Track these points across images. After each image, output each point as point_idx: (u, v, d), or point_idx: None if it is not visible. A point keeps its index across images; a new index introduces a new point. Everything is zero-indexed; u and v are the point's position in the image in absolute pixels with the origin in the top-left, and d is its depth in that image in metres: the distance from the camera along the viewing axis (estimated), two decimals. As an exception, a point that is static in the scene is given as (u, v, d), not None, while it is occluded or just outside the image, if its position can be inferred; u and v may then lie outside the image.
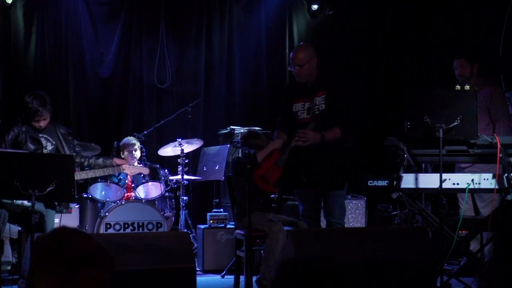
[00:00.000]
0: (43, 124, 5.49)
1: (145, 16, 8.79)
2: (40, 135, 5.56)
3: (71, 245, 1.87)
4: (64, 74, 8.41)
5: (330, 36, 9.15)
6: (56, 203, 5.45)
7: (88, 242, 1.89)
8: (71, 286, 1.83)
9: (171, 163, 7.69)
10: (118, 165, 5.71)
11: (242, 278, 5.40)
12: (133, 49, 8.69)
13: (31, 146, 5.48)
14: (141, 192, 7.07)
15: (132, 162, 6.96)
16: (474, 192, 5.36)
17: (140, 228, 6.64)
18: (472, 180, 5.05)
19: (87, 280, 1.85)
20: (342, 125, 5.45)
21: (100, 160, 5.71)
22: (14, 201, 5.26)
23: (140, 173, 7.20)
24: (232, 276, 5.69)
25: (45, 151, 5.52)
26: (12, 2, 8.10)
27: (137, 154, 7.17)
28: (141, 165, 7.05)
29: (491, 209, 5.15)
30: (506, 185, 4.94)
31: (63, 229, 1.94)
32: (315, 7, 9.23)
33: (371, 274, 4.33)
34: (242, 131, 7.17)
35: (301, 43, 6.12)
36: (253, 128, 6.28)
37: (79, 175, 5.21)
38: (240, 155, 6.99)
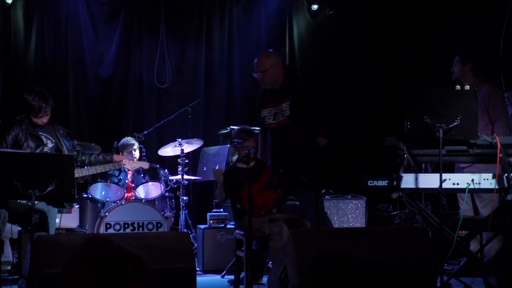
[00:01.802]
0: (45, 120, 5.51)
1: (145, 16, 8.79)
2: (40, 132, 5.57)
3: (113, 257, 1.79)
4: (64, 74, 8.41)
5: (330, 36, 9.15)
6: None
7: (127, 254, 1.83)
8: None
9: (171, 163, 7.69)
10: (118, 161, 5.74)
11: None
12: (133, 49, 8.69)
13: (32, 144, 5.48)
14: (141, 192, 7.07)
15: (132, 162, 6.97)
16: (474, 192, 5.36)
17: (140, 228, 6.64)
18: (472, 180, 5.04)
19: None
20: (323, 133, 5.60)
21: (101, 157, 5.76)
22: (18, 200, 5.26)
23: (140, 174, 7.21)
24: (232, 276, 5.69)
25: (45, 148, 5.53)
26: (12, 2, 8.10)
27: (136, 154, 7.17)
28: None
29: (490, 209, 5.15)
30: (506, 185, 4.94)
31: (100, 240, 1.83)
32: (315, 7, 9.23)
33: (371, 274, 4.33)
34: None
35: (269, 50, 6.24)
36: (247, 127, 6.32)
37: (80, 172, 5.21)
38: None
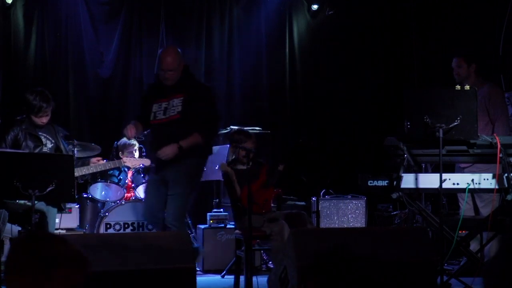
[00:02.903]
0: (45, 120, 5.50)
1: (145, 16, 8.79)
2: (40, 133, 5.57)
3: (40, 248, 1.90)
4: (64, 74, 8.41)
5: (330, 36, 9.15)
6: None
7: (59, 245, 1.93)
8: None
9: (171, 163, 7.67)
10: (95, 164, 5.67)
11: (242, 278, 5.40)
12: (133, 49, 8.68)
13: (31, 144, 5.48)
14: (141, 192, 7.06)
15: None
16: (474, 192, 5.37)
17: (140, 228, 6.65)
18: (472, 180, 5.05)
19: (58, 282, 1.88)
20: (202, 129, 5.52)
21: (80, 163, 5.70)
22: (17, 200, 5.26)
23: (140, 174, 7.20)
24: (232, 276, 5.70)
25: (45, 148, 5.53)
26: (12, 2, 8.10)
27: (136, 154, 7.16)
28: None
29: (491, 209, 5.15)
30: (506, 185, 4.94)
31: (34, 234, 2.00)
32: (315, 7, 9.22)
33: (371, 274, 4.33)
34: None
35: (169, 46, 6.13)
36: (250, 128, 6.31)
37: (80, 171, 5.21)
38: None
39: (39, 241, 1.93)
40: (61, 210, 5.57)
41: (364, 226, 7.26)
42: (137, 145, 7.22)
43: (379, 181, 5.24)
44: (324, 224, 7.15)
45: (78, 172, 5.16)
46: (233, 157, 5.81)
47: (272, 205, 5.94)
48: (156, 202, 5.58)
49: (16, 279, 1.89)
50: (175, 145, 5.39)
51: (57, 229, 5.73)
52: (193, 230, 7.32)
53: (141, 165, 6.91)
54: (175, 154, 5.40)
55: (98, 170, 5.32)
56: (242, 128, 5.91)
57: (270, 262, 6.27)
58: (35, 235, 1.97)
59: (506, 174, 4.93)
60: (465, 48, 7.74)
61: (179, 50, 5.73)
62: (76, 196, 5.15)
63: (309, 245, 4.24)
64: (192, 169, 5.61)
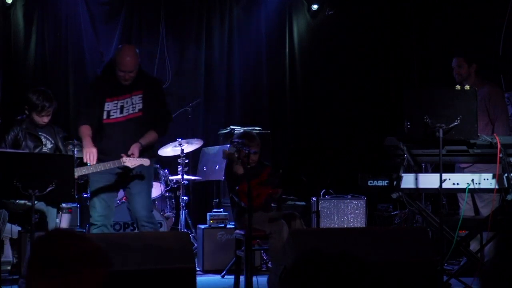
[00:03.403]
0: (46, 119, 5.50)
1: (145, 16, 8.79)
2: (40, 133, 5.57)
3: (64, 246, 1.89)
4: (64, 74, 8.41)
5: (330, 36, 9.15)
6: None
7: (82, 243, 1.92)
8: (65, 287, 1.86)
9: (171, 163, 7.69)
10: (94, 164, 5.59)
11: (242, 278, 5.40)
12: (133, 49, 8.68)
13: (31, 144, 5.48)
14: (141, 192, 7.06)
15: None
16: (474, 192, 5.37)
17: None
18: (472, 180, 5.05)
19: (81, 280, 1.87)
20: (158, 126, 5.43)
21: (79, 162, 5.67)
22: (17, 201, 5.26)
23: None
24: (232, 276, 5.70)
25: (44, 148, 5.53)
26: (12, 2, 8.10)
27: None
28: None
29: (491, 209, 5.15)
30: (506, 185, 4.94)
31: (56, 231, 1.98)
32: (315, 7, 9.23)
33: (371, 274, 4.33)
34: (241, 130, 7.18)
35: (125, 45, 5.69)
36: (250, 128, 6.30)
37: (80, 171, 5.19)
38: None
39: (64, 239, 1.92)
40: (59, 211, 5.57)
41: (364, 226, 7.27)
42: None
43: (379, 181, 5.24)
44: (324, 224, 7.15)
45: (78, 172, 5.15)
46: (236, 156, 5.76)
47: (272, 205, 5.94)
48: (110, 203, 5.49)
49: (43, 278, 1.87)
50: (137, 144, 5.24)
51: (57, 229, 5.72)
52: (193, 230, 7.33)
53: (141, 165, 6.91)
54: (139, 150, 5.27)
55: (98, 170, 5.26)
56: (246, 130, 5.88)
57: (270, 262, 6.27)
58: (58, 233, 1.95)
59: (506, 174, 4.93)
60: (465, 48, 7.74)
61: (136, 48, 5.55)
62: (76, 196, 5.14)
63: (308, 245, 4.24)
64: (151, 168, 5.54)
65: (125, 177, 5.38)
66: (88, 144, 5.22)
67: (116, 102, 5.37)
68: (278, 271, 4.99)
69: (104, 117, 5.37)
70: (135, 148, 5.22)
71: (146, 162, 5.53)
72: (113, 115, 5.37)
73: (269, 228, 5.34)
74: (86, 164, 5.28)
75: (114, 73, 5.34)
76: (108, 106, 5.37)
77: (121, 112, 5.36)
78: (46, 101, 5.43)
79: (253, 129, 6.92)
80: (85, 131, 5.31)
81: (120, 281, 4.05)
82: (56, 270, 1.86)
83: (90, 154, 5.17)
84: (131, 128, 5.34)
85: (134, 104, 5.36)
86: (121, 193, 6.88)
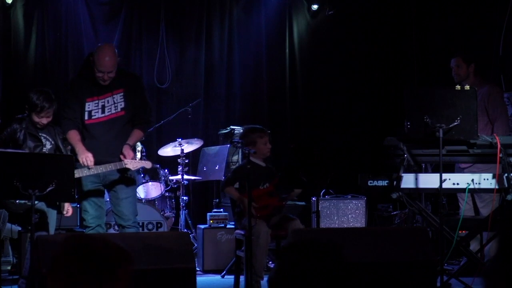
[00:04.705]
0: (45, 121, 5.49)
1: (145, 16, 8.79)
2: (40, 133, 5.57)
3: (92, 250, 1.86)
4: (64, 74, 8.41)
5: (330, 36, 9.15)
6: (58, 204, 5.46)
7: (107, 244, 1.89)
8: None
9: (171, 163, 7.68)
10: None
11: (242, 278, 5.40)
12: (133, 49, 8.69)
13: (31, 144, 5.47)
14: (141, 192, 7.06)
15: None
16: (474, 192, 5.37)
17: (140, 228, 6.64)
18: (472, 180, 5.05)
19: (115, 281, 1.85)
20: (141, 124, 5.37)
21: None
22: (17, 201, 5.26)
23: (140, 173, 7.20)
24: (232, 276, 5.70)
25: (44, 149, 5.52)
26: (12, 2, 8.10)
27: (138, 155, 7.13)
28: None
29: (491, 209, 5.15)
30: (506, 185, 4.94)
31: (79, 236, 1.94)
32: (315, 7, 9.22)
33: (371, 274, 4.33)
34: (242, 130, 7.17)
35: (104, 45, 5.48)
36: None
37: (81, 172, 5.19)
38: (240, 155, 7.00)
39: (87, 244, 1.88)
40: (60, 212, 5.57)
41: (364, 226, 7.27)
42: (140, 147, 7.19)
43: (379, 181, 5.24)
44: (324, 224, 7.14)
45: (79, 173, 5.14)
46: (235, 156, 5.73)
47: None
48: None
49: (72, 281, 1.83)
50: (126, 145, 5.20)
51: (57, 229, 5.72)
52: (193, 230, 7.33)
53: (141, 168, 6.90)
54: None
55: (99, 172, 5.24)
56: (255, 126, 5.84)
57: (270, 262, 6.26)
58: (79, 238, 1.91)
59: (506, 174, 4.93)
60: (465, 48, 7.74)
61: (114, 47, 5.46)
62: (76, 196, 5.13)
63: (308, 245, 4.23)
64: (134, 172, 5.49)
65: (111, 179, 5.34)
66: (82, 149, 5.18)
67: (97, 101, 5.29)
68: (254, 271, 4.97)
69: (86, 117, 5.30)
70: (129, 151, 5.19)
71: (147, 164, 5.52)
72: (94, 115, 5.30)
73: (254, 228, 5.21)
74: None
75: (93, 72, 5.23)
76: (89, 106, 5.29)
77: (103, 112, 5.29)
78: (46, 101, 5.41)
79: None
80: (75, 136, 5.26)
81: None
82: (89, 276, 1.83)
83: (86, 159, 5.14)
84: (114, 128, 5.29)
85: (116, 103, 5.28)
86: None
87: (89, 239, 1.90)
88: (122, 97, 5.30)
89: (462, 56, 6.09)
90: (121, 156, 5.19)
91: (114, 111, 5.29)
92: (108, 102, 5.29)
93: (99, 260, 1.84)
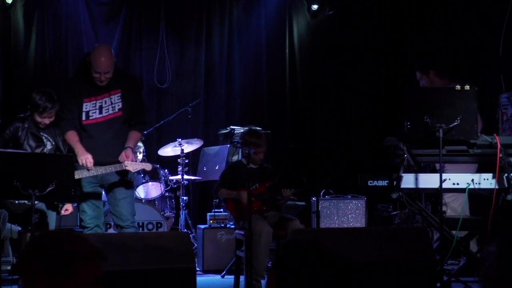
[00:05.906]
0: (48, 121, 5.49)
1: (145, 16, 8.79)
2: (42, 133, 5.57)
3: (58, 245, 1.92)
4: (64, 74, 8.41)
5: (330, 36, 9.15)
6: (58, 204, 5.46)
7: (75, 241, 1.94)
8: (62, 285, 1.89)
9: (171, 163, 7.68)
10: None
11: (242, 278, 5.40)
12: (133, 49, 8.69)
13: (32, 143, 5.48)
14: (141, 192, 7.06)
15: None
16: (474, 192, 5.37)
17: (140, 228, 6.64)
18: (472, 180, 5.05)
19: (79, 276, 1.89)
20: (138, 126, 5.38)
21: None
22: (16, 201, 5.26)
23: (140, 174, 7.20)
24: (232, 276, 5.70)
25: (45, 149, 5.53)
26: (12, 2, 8.10)
27: (140, 156, 7.12)
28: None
29: (459, 204, 5.15)
30: (506, 185, 4.94)
31: (49, 232, 2.02)
32: (315, 7, 9.23)
33: (371, 274, 4.33)
34: (242, 130, 7.17)
35: (100, 45, 5.45)
36: (254, 127, 6.26)
37: (81, 174, 5.19)
38: (240, 155, 7.00)
39: (57, 237, 1.94)
40: (58, 213, 5.57)
41: (364, 226, 7.27)
42: (143, 148, 7.18)
43: (379, 181, 5.24)
44: (324, 224, 7.14)
45: (78, 174, 5.14)
46: (235, 156, 5.73)
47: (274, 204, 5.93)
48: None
49: (36, 276, 1.89)
50: (128, 148, 5.20)
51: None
52: (193, 230, 7.33)
53: (141, 174, 6.91)
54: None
55: (99, 173, 5.24)
56: (252, 127, 5.84)
57: (270, 262, 6.26)
58: (51, 232, 2.01)
59: (506, 174, 4.93)
60: (465, 48, 7.75)
61: (111, 48, 5.46)
62: (76, 196, 5.14)
63: (308, 245, 4.23)
64: (133, 174, 5.49)
65: (108, 180, 5.33)
66: (82, 150, 5.17)
67: (94, 102, 5.27)
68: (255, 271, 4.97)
69: (83, 118, 5.28)
70: (130, 153, 5.20)
71: (147, 166, 5.52)
72: (92, 116, 5.28)
73: (254, 228, 5.22)
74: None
75: (90, 72, 5.21)
76: (87, 106, 5.27)
77: (100, 112, 5.27)
78: (49, 102, 5.42)
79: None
80: (73, 137, 5.25)
81: (120, 281, 4.05)
82: (52, 269, 1.89)
83: (86, 160, 5.13)
84: (112, 128, 5.28)
85: (113, 104, 5.26)
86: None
87: (56, 236, 1.96)
88: (119, 97, 5.28)
89: (419, 69, 6.15)
90: (122, 158, 5.19)
91: (112, 112, 5.28)
92: (105, 103, 5.27)
93: (56, 256, 1.89)
